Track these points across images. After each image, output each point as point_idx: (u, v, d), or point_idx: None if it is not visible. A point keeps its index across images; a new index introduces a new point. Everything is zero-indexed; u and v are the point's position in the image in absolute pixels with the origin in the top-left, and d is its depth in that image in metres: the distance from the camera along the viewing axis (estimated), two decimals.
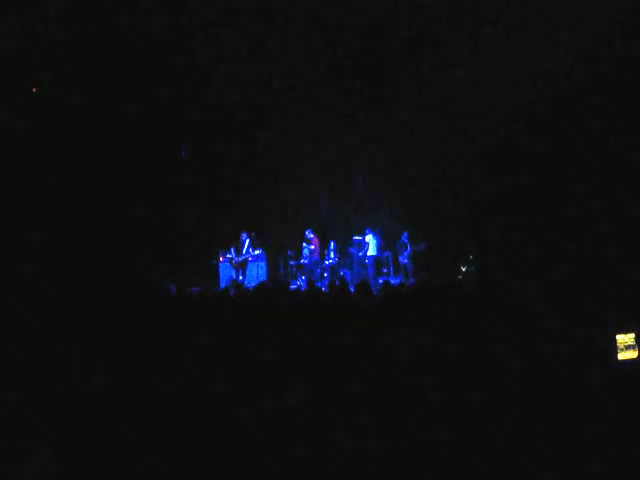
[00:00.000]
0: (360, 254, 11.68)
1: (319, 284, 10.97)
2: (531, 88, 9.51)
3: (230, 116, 11.31)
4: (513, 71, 9.52)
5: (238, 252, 11.27)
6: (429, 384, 3.40)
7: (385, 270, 11.99)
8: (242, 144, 11.65)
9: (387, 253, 12.02)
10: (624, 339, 3.78)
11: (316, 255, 11.48)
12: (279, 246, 11.95)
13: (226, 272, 11.38)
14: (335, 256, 11.63)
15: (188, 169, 11.51)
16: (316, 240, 11.55)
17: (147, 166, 10.30)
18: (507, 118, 9.86)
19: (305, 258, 11.54)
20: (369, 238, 11.70)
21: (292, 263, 11.68)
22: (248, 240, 11.21)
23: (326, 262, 11.58)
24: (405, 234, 11.64)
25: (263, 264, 11.51)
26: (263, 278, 11.11)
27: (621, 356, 3.70)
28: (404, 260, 11.61)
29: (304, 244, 11.58)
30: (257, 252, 11.08)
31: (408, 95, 10.99)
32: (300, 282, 11.28)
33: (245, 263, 11.24)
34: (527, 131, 9.85)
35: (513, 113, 9.76)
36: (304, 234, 11.57)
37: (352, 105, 11.27)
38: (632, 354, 3.76)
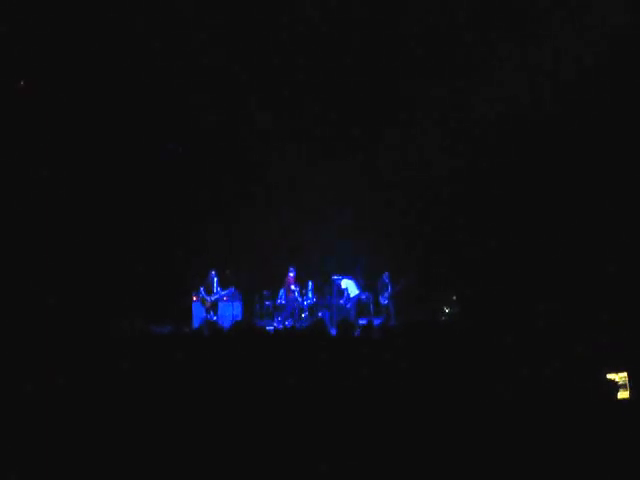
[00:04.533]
0: (341, 302, 11.30)
1: (297, 324, 10.57)
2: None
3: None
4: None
5: (208, 291, 10.76)
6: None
7: (365, 311, 11.63)
8: (217, 173, 11.38)
9: (366, 294, 11.68)
10: (614, 378, 3.66)
11: (292, 295, 11.04)
12: (254, 285, 11.47)
13: (199, 312, 10.86)
14: (313, 296, 11.24)
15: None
16: (290, 279, 11.15)
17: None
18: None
19: (279, 298, 11.15)
20: (345, 283, 11.37)
21: (267, 303, 11.25)
22: (216, 279, 10.76)
23: (304, 302, 11.18)
24: (386, 274, 11.33)
25: (238, 304, 11.03)
26: (238, 318, 10.64)
27: None
28: (384, 301, 11.29)
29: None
30: (224, 292, 10.62)
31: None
32: (276, 324, 10.83)
33: (216, 303, 10.76)
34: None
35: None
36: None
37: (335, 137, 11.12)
38: (623, 394, 3.64)
